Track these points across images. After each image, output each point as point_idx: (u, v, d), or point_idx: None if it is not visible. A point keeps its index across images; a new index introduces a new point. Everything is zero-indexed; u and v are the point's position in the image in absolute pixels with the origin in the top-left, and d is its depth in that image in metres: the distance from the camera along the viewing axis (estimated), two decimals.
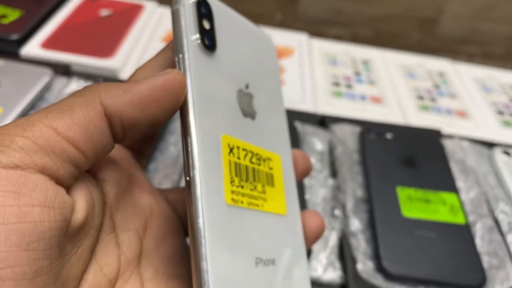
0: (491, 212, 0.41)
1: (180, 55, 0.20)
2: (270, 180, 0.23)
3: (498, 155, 0.46)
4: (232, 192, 0.20)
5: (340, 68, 0.59)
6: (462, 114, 0.55)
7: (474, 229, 0.40)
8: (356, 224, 0.38)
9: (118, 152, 0.21)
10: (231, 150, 0.21)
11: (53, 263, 0.15)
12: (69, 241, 0.17)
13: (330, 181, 0.41)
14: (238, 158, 0.21)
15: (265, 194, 0.23)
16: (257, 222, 0.21)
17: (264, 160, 0.23)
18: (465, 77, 0.62)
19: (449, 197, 0.41)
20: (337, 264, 0.35)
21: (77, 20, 0.58)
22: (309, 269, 0.24)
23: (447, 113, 0.54)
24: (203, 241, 0.18)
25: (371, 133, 0.46)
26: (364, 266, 0.35)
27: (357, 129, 0.47)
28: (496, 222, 0.41)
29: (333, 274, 0.35)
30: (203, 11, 0.22)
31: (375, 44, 1.01)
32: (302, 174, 0.27)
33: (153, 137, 0.24)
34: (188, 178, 0.19)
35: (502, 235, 0.40)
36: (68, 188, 0.17)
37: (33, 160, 0.15)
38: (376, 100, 0.54)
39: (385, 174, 0.42)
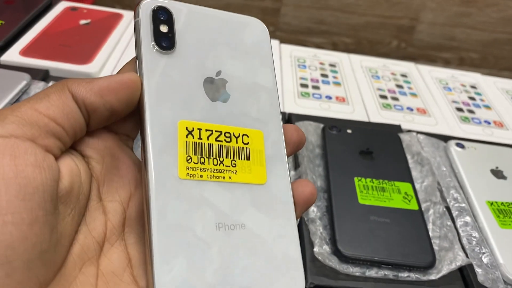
0: (444, 199, 0.44)
1: (137, 61, 0.24)
2: (244, 154, 0.26)
3: (453, 147, 0.49)
4: (188, 168, 0.23)
5: (308, 71, 0.62)
6: (423, 111, 0.58)
7: (427, 215, 0.42)
8: (315, 211, 0.41)
9: (103, 135, 0.24)
10: (189, 132, 0.24)
11: (47, 215, 0.18)
12: (61, 203, 0.20)
13: (292, 173, 0.44)
14: (199, 138, 0.24)
15: (235, 167, 0.25)
16: (220, 191, 0.24)
17: (236, 137, 0.26)
18: (428, 77, 0.65)
19: (403, 186, 0.44)
20: None
21: (57, 29, 0.61)
22: (297, 234, 0.25)
23: (408, 111, 0.57)
24: (152, 213, 0.21)
25: (333, 128, 0.49)
26: (321, 249, 0.38)
27: (320, 126, 0.50)
28: (448, 208, 0.44)
29: None
30: (161, 18, 0.25)
31: (355, 52, 1.05)
32: (296, 145, 0.28)
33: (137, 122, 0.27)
34: (143, 161, 0.22)
35: (453, 220, 0.43)
36: (55, 158, 0.20)
37: (23, 131, 0.19)
38: (341, 99, 0.57)
39: (344, 166, 0.45)
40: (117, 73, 0.24)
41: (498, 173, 0.47)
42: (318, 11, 1.47)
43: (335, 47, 1.54)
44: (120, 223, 0.23)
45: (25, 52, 0.55)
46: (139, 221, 0.23)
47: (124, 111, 0.23)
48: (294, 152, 0.29)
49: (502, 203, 0.44)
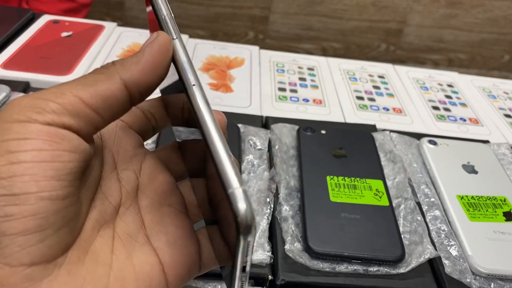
0: (415, 194, 0.45)
1: (163, 17, 0.24)
2: None
3: (425, 144, 0.50)
4: None
5: (287, 75, 0.63)
6: (399, 111, 0.59)
7: (398, 211, 0.43)
8: (287, 210, 0.42)
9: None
10: None
11: (75, 189, 0.21)
12: (81, 179, 0.22)
13: (266, 174, 0.45)
14: None
15: None
16: None
17: None
18: (405, 78, 0.67)
19: (375, 183, 0.45)
20: (267, 246, 0.39)
21: (39, 41, 0.62)
22: None
23: (384, 111, 0.58)
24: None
25: (307, 130, 0.50)
26: (292, 246, 0.39)
27: (295, 128, 0.51)
28: (419, 204, 0.44)
29: (263, 255, 0.38)
30: None
31: (345, 57, 1.06)
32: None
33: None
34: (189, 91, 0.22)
35: (423, 214, 0.43)
36: (87, 140, 0.22)
37: (61, 121, 0.20)
38: (318, 102, 0.59)
39: (317, 165, 0.46)
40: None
41: (469, 168, 0.48)
42: (306, 17, 1.49)
43: (324, 52, 1.56)
44: (133, 189, 0.25)
45: (6, 65, 0.56)
46: (151, 186, 0.26)
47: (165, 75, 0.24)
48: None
49: (472, 197, 0.45)
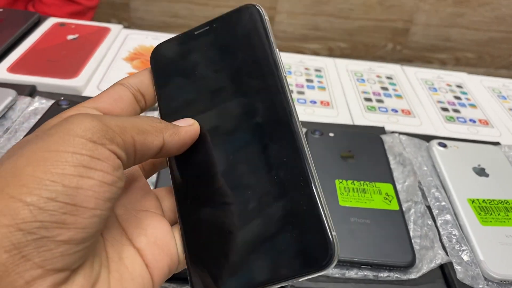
0: (425, 198, 0.45)
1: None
2: None
3: (435, 147, 0.49)
4: None
5: (294, 76, 0.63)
6: (407, 112, 0.58)
7: (408, 215, 0.43)
8: None
9: None
10: None
11: (110, 208, 0.22)
12: None
13: None
14: None
15: None
16: None
17: None
18: (413, 79, 0.66)
19: (384, 186, 0.44)
20: None
21: (45, 45, 0.62)
22: None
23: (393, 112, 0.58)
24: None
25: (315, 132, 0.49)
26: None
27: (303, 130, 0.50)
28: (429, 208, 0.44)
29: None
30: None
31: (351, 56, 1.05)
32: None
33: None
34: None
35: (434, 218, 0.43)
36: None
37: (121, 154, 0.23)
38: (326, 104, 0.58)
39: (325, 169, 0.45)
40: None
41: (480, 171, 0.47)
42: (312, 17, 1.48)
43: (331, 52, 1.55)
44: None
45: (13, 69, 0.56)
46: (125, 195, 0.27)
47: None
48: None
49: (483, 200, 0.44)
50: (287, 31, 1.53)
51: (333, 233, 0.22)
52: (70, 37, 0.64)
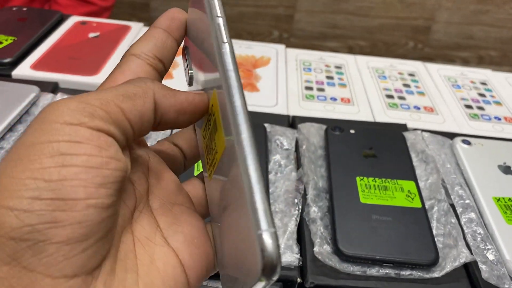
0: (449, 196, 0.44)
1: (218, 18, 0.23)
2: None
3: (458, 144, 0.48)
4: None
5: (314, 73, 0.62)
6: (430, 109, 0.57)
7: (431, 213, 0.42)
8: (316, 211, 0.41)
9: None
10: None
11: (117, 199, 0.20)
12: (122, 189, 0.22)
13: (294, 174, 0.44)
14: None
15: None
16: None
17: None
18: (436, 76, 0.65)
19: (407, 184, 0.43)
20: (296, 248, 0.38)
21: (67, 42, 0.63)
22: None
23: (415, 109, 0.57)
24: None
25: (335, 129, 0.49)
26: (321, 248, 0.38)
27: (323, 127, 0.50)
28: (453, 206, 0.43)
29: (291, 257, 0.37)
30: None
31: (371, 55, 1.04)
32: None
33: None
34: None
35: (457, 217, 0.42)
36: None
37: (108, 128, 0.20)
38: (346, 100, 0.57)
39: (346, 166, 0.45)
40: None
41: (505, 169, 0.46)
42: (331, 15, 1.47)
43: (350, 50, 1.54)
44: (145, 191, 0.24)
45: (36, 66, 0.57)
46: (160, 187, 0.25)
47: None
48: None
49: (509, 199, 0.43)
50: (306, 29, 1.52)
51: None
52: (91, 35, 0.65)
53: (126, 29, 0.68)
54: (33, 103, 0.49)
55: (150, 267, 0.22)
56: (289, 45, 1.39)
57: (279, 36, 1.53)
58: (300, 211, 0.41)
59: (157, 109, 0.22)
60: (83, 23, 0.68)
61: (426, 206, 0.42)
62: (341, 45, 1.55)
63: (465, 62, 1.54)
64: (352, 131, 0.49)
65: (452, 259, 0.38)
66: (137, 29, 0.68)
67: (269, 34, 1.53)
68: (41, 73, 0.56)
